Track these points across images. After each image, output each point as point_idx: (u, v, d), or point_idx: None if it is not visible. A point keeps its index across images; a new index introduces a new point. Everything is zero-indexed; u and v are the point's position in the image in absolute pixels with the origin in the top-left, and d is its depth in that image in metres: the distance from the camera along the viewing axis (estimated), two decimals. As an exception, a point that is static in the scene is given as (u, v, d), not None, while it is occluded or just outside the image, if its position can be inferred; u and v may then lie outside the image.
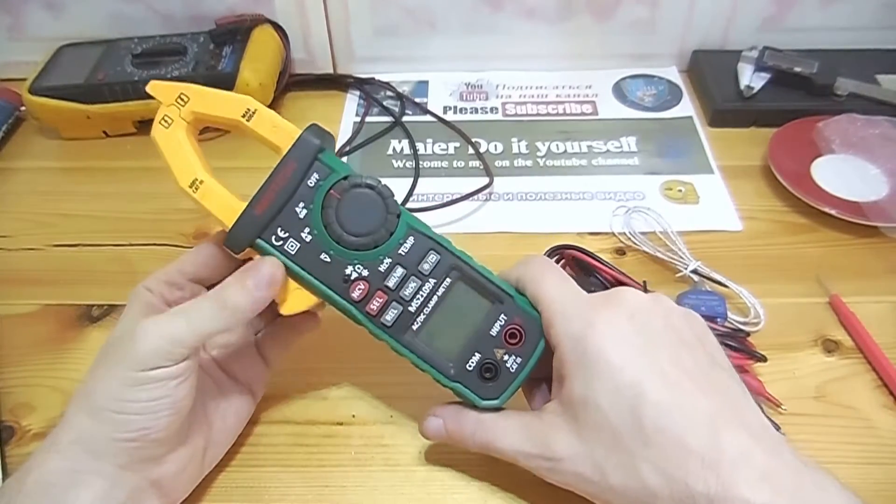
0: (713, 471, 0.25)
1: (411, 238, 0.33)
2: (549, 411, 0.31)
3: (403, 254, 0.33)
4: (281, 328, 0.38)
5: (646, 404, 0.27)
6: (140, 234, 0.51)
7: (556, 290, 0.32)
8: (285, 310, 0.33)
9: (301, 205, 0.32)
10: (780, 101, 0.58)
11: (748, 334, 0.41)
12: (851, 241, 0.49)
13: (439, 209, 0.51)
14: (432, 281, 0.33)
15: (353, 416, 0.39)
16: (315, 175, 0.33)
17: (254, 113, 0.33)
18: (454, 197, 0.52)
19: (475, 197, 0.52)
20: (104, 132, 0.59)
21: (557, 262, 0.44)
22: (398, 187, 0.54)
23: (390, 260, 0.33)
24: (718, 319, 0.41)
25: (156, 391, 0.29)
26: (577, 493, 0.30)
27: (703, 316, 0.39)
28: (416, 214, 0.34)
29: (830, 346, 0.42)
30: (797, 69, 0.58)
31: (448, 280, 0.33)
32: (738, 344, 0.38)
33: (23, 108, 0.60)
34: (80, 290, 0.47)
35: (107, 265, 0.49)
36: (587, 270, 0.42)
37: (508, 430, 0.32)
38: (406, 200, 0.53)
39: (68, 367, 0.42)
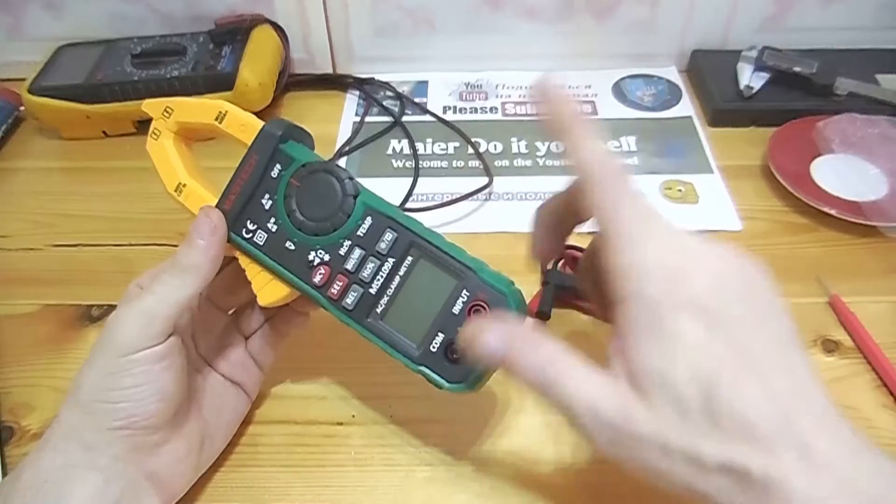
0: (775, 459, 0.24)
1: (369, 218, 0.32)
2: (622, 378, 0.27)
3: (362, 235, 0.32)
4: (269, 330, 0.38)
5: (720, 387, 0.25)
6: (140, 234, 0.51)
7: (636, 231, 0.27)
8: (262, 300, 0.34)
9: (266, 196, 0.33)
10: (779, 101, 0.58)
11: (748, 334, 0.41)
12: (851, 241, 0.49)
13: (439, 209, 0.51)
14: (391, 260, 0.32)
15: (353, 416, 0.39)
16: (277, 166, 0.33)
17: (225, 115, 0.34)
18: (454, 197, 0.52)
19: (475, 197, 0.52)
20: (104, 132, 0.59)
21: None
22: (398, 187, 0.54)
23: (349, 242, 0.32)
24: (718, 319, 0.40)
25: (140, 377, 0.30)
26: (620, 463, 0.27)
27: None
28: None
29: (830, 346, 0.42)
30: (797, 69, 0.58)
31: (409, 259, 0.32)
32: (737, 344, 0.38)
33: (23, 108, 0.60)
34: (80, 290, 0.47)
35: (107, 265, 0.49)
36: (587, 270, 0.42)
37: (585, 385, 0.27)
38: (406, 200, 0.53)
39: (68, 367, 0.42)
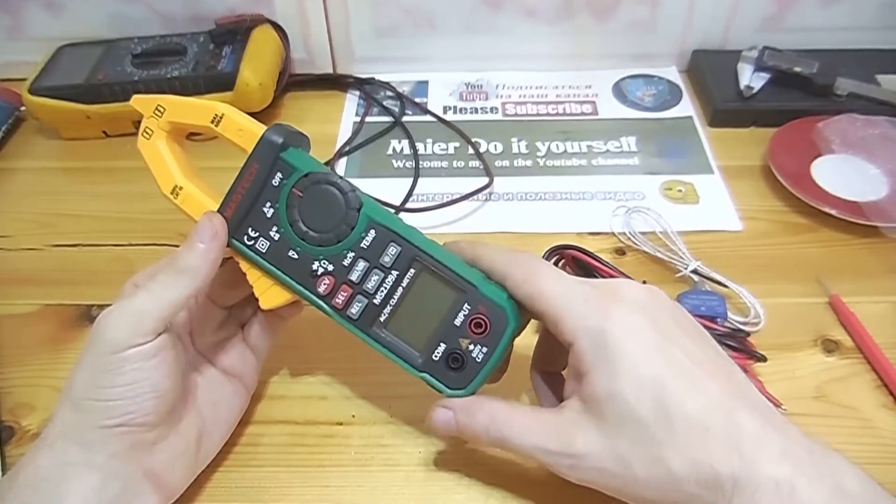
0: (736, 452, 0.26)
1: (372, 231, 0.33)
2: (569, 408, 0.30)
3: (365, 247, 0.33)
4: (265, 317, 0.38)
5: (669, 393, 0.27)
6: (140, 234, 0.51)
7: (556, 286, 0.31)
8: (264, 304, 0.35)
9: (268, 204, 0.33)
10: (780, 101, 0.58)
11: (748, 334, 0.41)
12: (851, 241, 0.49)
13: (439, 209, 0.51)
14: (395, 273, 0.33)
15: (353, 416, 0.39)
16: (279, 174, 0.33)
17: (221, 118, 0.33)
18: (454, 197, 0.52)
19: (475, 197, 0.52)
20: (104, 132, 0.59)
21: (557, 262, 0.44)
22: (398, 187, 0.53)
23: (353, 254, 0.33)
24: (718, 319, 0.41)
25: (132, 374, 0.30)
26: (597, 488, 0.29)
27: (703, 316, 0.39)
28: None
29: (830, 346, 0.42)
30: (797, 69, 0.58)
31: (412, 271, 0.33)
32: (738, 344, 0.38)
33: (23, 108, 0.60)
34: (80, 290, 0.47)
35: (107, 265, 0.49)
36: (587, 270, 0.42)
37: (527, 427, 0.31)
38: (406, 200, 0.53)
39: (68, 367, 0.41)
